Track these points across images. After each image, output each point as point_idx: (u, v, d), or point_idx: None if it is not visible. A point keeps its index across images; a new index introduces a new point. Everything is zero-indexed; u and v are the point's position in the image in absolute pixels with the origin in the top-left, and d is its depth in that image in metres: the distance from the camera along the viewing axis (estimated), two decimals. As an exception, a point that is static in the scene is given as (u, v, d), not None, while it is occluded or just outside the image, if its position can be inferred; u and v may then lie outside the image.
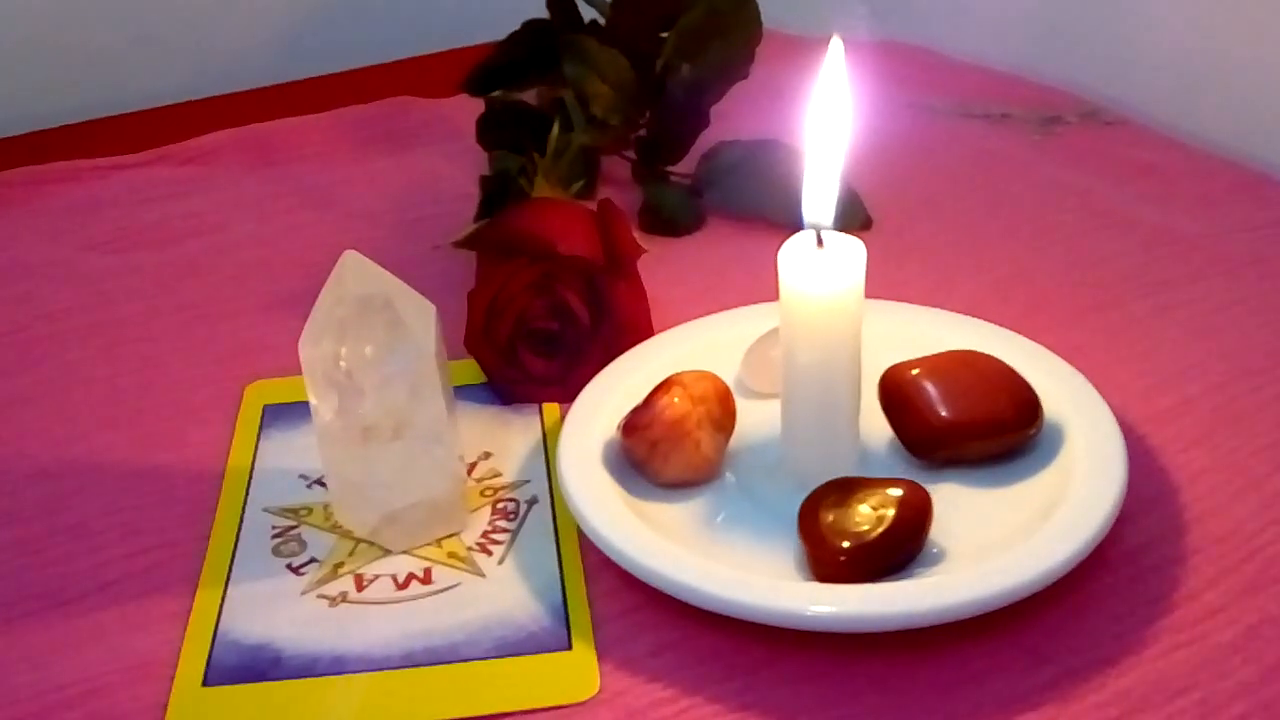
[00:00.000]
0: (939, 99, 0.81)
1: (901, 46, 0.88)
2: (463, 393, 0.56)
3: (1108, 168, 0.72)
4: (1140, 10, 0.78)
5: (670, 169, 0.71)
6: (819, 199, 0.46)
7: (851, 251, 0.46)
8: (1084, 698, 0.42)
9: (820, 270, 0.46)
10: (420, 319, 0.47)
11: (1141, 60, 0.78)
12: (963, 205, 0.70)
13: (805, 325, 0.47)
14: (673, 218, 0.69)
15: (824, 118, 0.46)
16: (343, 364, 0.46)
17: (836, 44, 0.47)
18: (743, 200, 0.69)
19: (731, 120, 0.71)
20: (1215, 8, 0.74)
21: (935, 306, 0.57)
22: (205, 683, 0.43)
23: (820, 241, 0.46)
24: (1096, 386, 0.51)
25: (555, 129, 0.62)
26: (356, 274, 0.46)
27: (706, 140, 0.71)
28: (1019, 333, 0.54)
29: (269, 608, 0.46)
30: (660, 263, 0.62)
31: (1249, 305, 0.60)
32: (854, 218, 0.66)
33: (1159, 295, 0.61)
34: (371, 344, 0.46)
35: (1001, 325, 0.55)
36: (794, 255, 0.46)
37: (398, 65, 0.91)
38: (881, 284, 0.56)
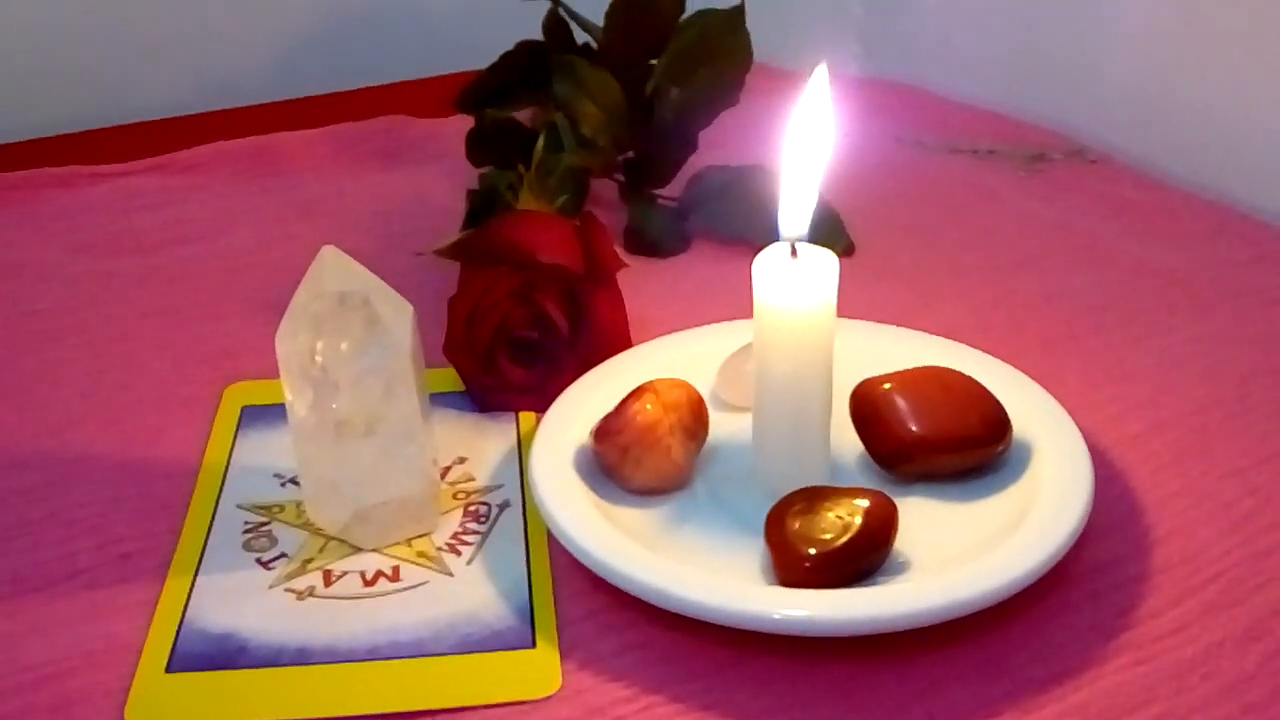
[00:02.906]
0: (927, 134, 0.82)
1: (892, 83, 0.89)
2: (441, 399, 0.56)
3: (1090, 203, 0.73)
4: (1126, 53, 0.79)
5: (657, 191, 0.72)
6: (794, 212, 0.47)
7: (824, 264, 0.47)
8: (1042, 709, 0.42)
9: (793, 282, 0.46)
10: (398, 318, 0.47)
11: (1126, 101, 0.80)
12: (946, 235, 0.71)
13: (778, 336, 0.47)
14: (657, 239, 0.69)
15: (803, 136, 0.47)
16: (318, 359, 0.46)
17: (821, 71, 0.48)
18: (727, 224, 0.70)
19: (721, 148, 0.72)
20: (1197, 52, 0.75)
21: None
22: (169, 669, 0.44)
23: (794, 253, 0.47)
24: (1069, 410, 0.51)
25: (540, 143, 0.62)
26: (335, 270, 0.47)
27: (694, 165, 0.71)
28: (994, 356, 0.55)
29: (237, 599, 0.47)
30: (644, 283, 0.63)
31: (1223, 337, 0.60)
32: (837, 242, 0.67)
33: (1135, 325, 0.62)
34: (348, 340, 0.46)
35: (977, 349, 0.55)
36: (768, 268, 0.47)
37: (395, 87, 0.92)
38: (862, 307, 0.57)
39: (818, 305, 0.46)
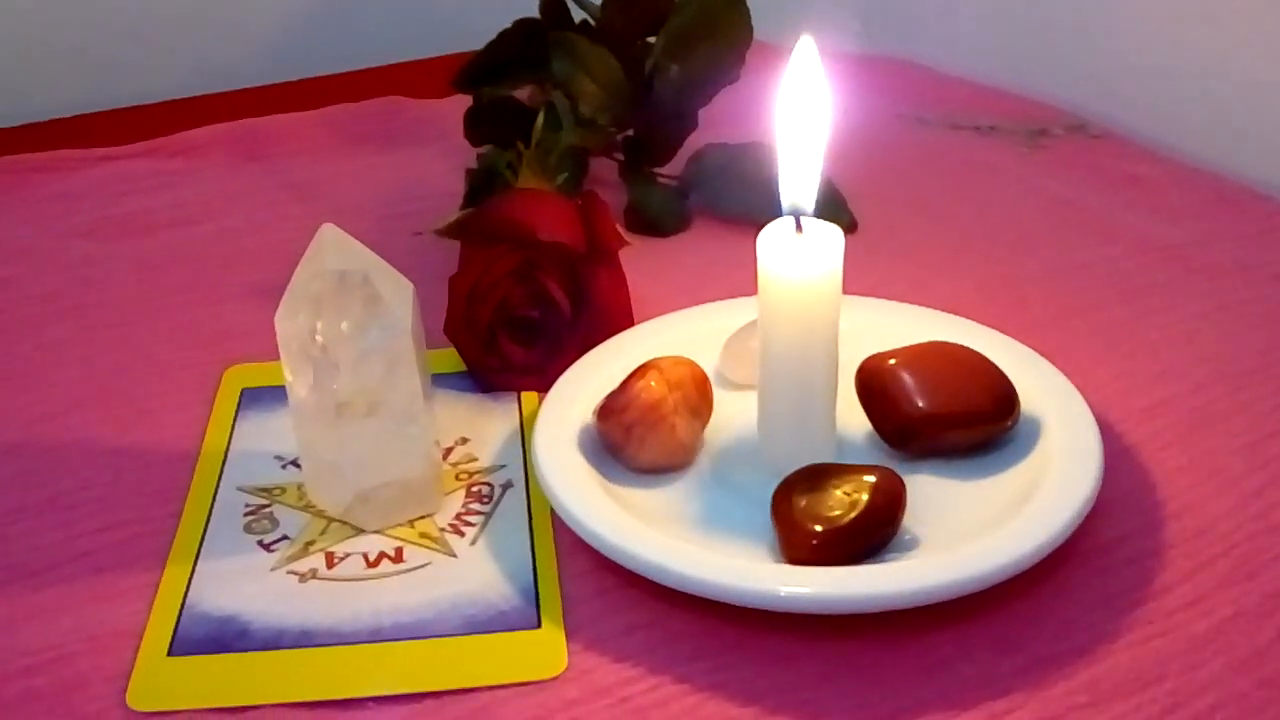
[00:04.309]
0: (928, 111, 0.82)
1: (893, 61, 0.88)
2: (442, 380, 0.56)
3: (1093, 178, 0.73)
4: (1127, 28, 0.79)
5: (657, 170, 0.71)
6: (797, 185, 0.47)
7: (830, 237, 0.46)
8: (1053, 685, 0.41)
9: (798, 255, 0.46)
10: (398, 296, 0.47)
11: (1128, 76, 0.79)
12: (948, 211, 0.70)
13: (783, 310, 0.47)
14: (657, 218, 0.69)
15: (795, 110, 0.46)
16: (318, 338, 0.45)
17: (807, 42, 0.47)
18: (729, 202, 0.69)
19: (721, 126, 0.71)
20: (1200, 26, 0.75)
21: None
22: (171, 652, 0.43)
23: (799, 227, 0.46)
24: (1076, 385, 0.51)
25: (540, 120, 0.62)
26: (335, 248, 0.46)
27: (695, 143, 0.71)
28: (1000, 332, 0.54)
29: (238, 582, 0.46)
30: (645, 262, 0.62)
31: (1230, 311, 0.60)
32: (839, 220, 0.66)
33: (1141, 300, 0.61)
34: (348, 319, 0.46)
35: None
36: (773, 241, 0.46)
37: (391, 68, 0.92)
38: (865, 284, 0.56)
39: (823, 277, 0.46)
